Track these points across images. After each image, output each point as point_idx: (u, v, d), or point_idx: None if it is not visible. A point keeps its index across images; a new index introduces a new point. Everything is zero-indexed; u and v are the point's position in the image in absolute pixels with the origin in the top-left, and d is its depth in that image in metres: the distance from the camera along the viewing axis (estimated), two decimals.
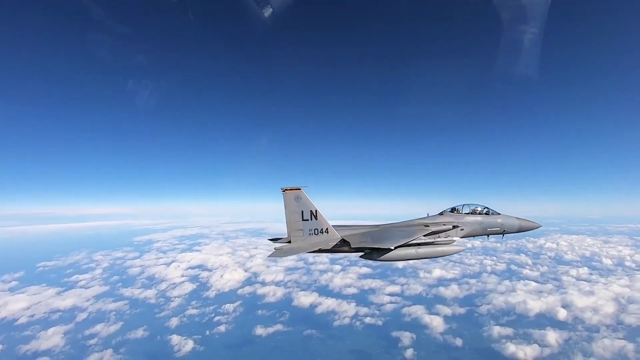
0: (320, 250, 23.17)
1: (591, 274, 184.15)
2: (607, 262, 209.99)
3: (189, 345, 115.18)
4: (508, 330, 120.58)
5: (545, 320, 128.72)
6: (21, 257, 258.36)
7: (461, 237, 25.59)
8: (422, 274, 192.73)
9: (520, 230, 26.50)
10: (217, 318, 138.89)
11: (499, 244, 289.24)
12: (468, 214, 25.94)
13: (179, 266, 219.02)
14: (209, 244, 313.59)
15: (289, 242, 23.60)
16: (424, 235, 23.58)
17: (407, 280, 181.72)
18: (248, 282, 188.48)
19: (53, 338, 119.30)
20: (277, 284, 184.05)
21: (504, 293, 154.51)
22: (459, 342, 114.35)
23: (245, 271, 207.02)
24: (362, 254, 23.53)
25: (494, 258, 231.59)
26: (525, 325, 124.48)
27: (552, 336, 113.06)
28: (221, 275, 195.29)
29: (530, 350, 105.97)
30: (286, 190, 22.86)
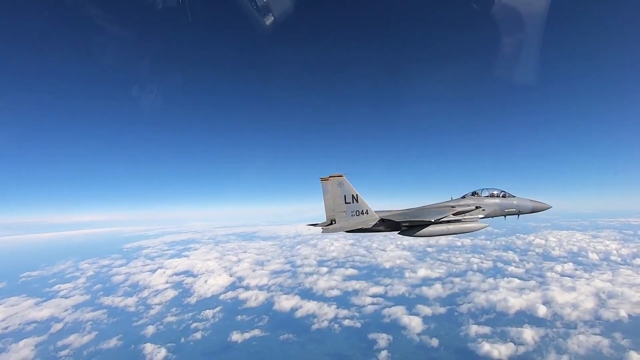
0: (361, 230, 26.40)
1: (576, 269, 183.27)
2: (593, 257, 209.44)
3: (161, 353, 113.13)
4: (486, 329, 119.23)
5: (525, 317, 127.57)
6: (5, 267, 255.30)
7: (482, 217, 27.60)
8: (407, 274, 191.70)
9: (533, 210, 28.86)
10: (194, 325, 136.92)
11: (488, 242, 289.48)
12: (487, 196, 28.45)
13: (164, 273, 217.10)
14: (198, 249, 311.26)
15: (328, 225, 26.61)
16: (452, 214, 26.45)
17: (391, 281, 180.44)
18: (232, 287, 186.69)
19: (23, 350, 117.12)
20: (261, 288, 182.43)
21: (486, 291, 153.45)
22: (435, 342, 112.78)
23: (231, 276, 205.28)
24: (399, 231, 26.79)
25: (482, 256, 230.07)
26: (503, 323, 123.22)
27: (529, 334, 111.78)
28: (205, 281, 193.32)
29: (505, 348, 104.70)
30: (330, 176, 25.60)
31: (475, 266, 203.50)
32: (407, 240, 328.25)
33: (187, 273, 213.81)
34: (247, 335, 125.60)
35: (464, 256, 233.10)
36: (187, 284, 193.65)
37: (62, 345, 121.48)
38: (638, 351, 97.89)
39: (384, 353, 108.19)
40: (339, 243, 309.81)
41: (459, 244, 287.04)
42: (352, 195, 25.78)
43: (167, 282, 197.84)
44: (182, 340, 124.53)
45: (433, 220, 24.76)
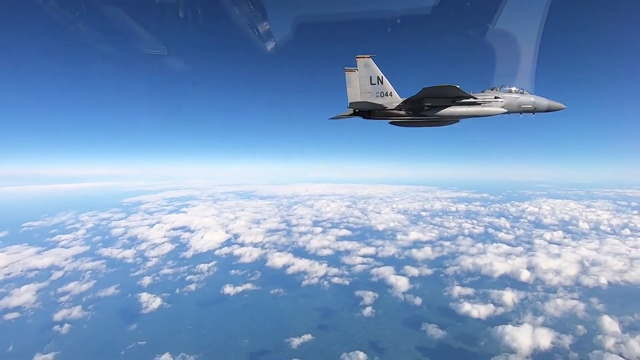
0: (380, 112, 27.10)
1: (564, 237, 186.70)
2: (584, 226, 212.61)
3: (156, 302, 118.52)
4: (469, 291, 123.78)
5: (508, 281, 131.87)
6: (7, 217, 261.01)
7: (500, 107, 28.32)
8: (399, 237, 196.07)
9: (549, 109, 29.35)
10: (189, 277, 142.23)
11: (482, 208, 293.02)
12: (506, 92, 28.87)
13: (162, 227, 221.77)
14: (196, 205, 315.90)
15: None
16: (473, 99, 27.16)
17: (383, 243, 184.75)
18: (227, 243, 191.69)
19: (25, 295, 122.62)
20: (255, 245, 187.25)
21: (473, 255, 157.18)
22: (418, 301, 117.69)
23: (227, 232, 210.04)
24: (418, 116, 27.35)
25: (474, 221, 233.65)
26: (486, 285, 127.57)
27: (509, 296, 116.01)
28: (202, 237, 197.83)
29: (485, 309, 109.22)
30: (357, 57, 25.65)
31: (466, 231, 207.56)
32: (402, 203, 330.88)
33: (185, 228, 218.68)
34: (239, 289, 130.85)
35: (456, 221, 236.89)
36: (184, 238, 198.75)
37: (62, 292, 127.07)
38: (611, 315, 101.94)
39: (368, 309, 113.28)
40: (335, 204, 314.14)
41: (453, 209, 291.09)
42: (378, 77, 26.32)
43: (164, 237, 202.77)
44: (177, 291, 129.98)
45: (457, 87, 24.58)
